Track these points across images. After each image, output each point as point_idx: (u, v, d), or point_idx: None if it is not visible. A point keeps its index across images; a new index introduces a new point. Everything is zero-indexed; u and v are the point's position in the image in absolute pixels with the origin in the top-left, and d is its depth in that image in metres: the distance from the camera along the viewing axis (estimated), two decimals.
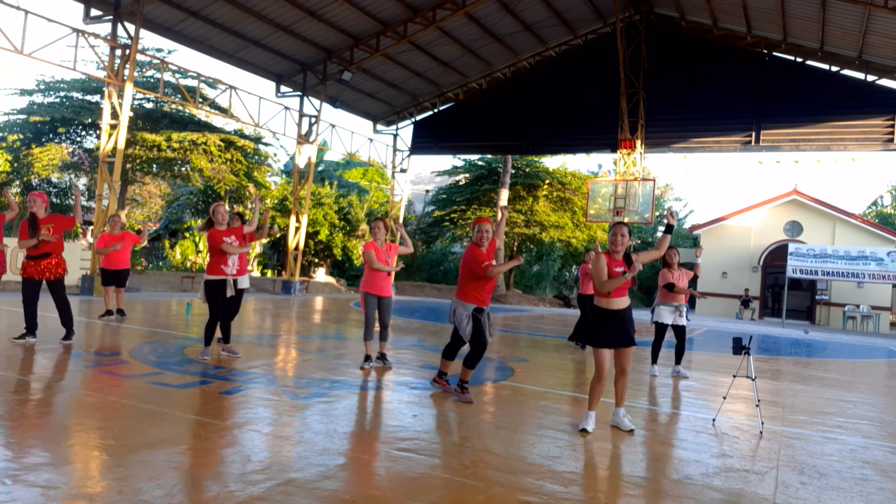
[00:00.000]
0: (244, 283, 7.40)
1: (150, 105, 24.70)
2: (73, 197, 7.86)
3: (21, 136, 24.38)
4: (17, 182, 24.28)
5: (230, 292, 6.97)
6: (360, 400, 5.66)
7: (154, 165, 25.21)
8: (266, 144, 27.99)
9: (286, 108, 20.55)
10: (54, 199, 21.46)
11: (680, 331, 8.23)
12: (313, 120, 21.19)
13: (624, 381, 5.13)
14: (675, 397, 7.08)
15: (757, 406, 5.59)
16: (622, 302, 5.05)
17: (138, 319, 10.13)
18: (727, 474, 4.19)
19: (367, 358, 7.20)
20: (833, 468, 4.50)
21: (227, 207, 7.19)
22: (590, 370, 8.78)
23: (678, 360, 8.28)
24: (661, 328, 8.23)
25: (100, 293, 14.07)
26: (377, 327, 7.19)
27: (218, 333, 7.44)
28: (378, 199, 32.00)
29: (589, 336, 5.38)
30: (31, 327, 7.14)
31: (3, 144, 24.47)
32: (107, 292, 9.88)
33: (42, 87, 24.61)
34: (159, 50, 25.21)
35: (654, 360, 8.30)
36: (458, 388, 5.85)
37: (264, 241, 28.20)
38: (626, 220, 21.29)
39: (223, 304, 7.03)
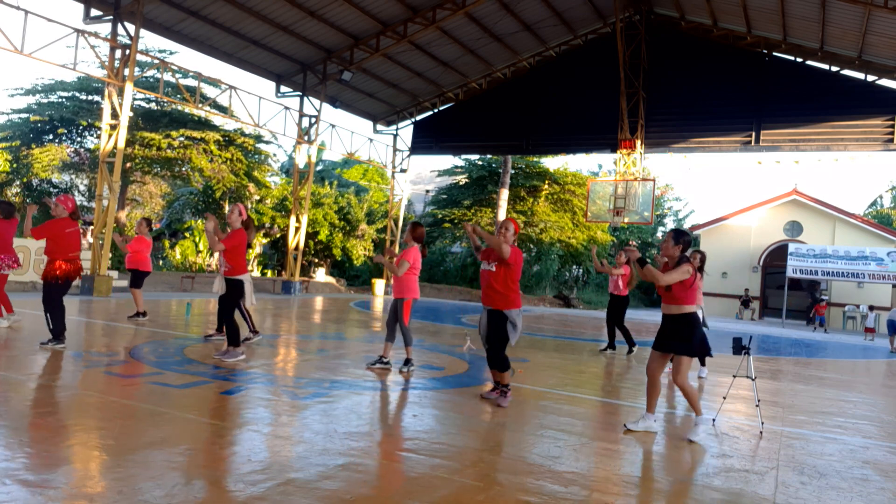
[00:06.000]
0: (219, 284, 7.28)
1: (150, 105, 24.70)
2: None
3: (21, 135, 24.39)
4: (17, 182, 24.29)
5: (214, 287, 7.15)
6: (360, 400, 5.66)
7: (154, 165, 25.21)
8: (266, 142, 28.00)
9: (286, 108, 20.55)
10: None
11: None
12: (313, 120, 21.18)
13: (682, 391, 5.08)
14: (676, 397, 7.07)
15: (757, 406, 5.59)
16: (665, 308, 5.11)
17: (139, 319, 10.13)
18: (727, 474, 4.19)
19: (378, 359, 7.20)
20: (833, 468, 4.50)
21: (240, 210, 7.11)
22: (590, 370, 8.79)
23: (701, 363, 8.38)
24: None
25: (99, 293, 14.12)
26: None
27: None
28: (378, 199, 31.97)
29: None
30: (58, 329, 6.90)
31: (4, 144, 24.47)
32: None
33: (42, 87, 24.62)
34: (162, 51, 25.21)
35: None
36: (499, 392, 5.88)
37: (263, 241, 28.23)
38: (626, 220, 21.29)
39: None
